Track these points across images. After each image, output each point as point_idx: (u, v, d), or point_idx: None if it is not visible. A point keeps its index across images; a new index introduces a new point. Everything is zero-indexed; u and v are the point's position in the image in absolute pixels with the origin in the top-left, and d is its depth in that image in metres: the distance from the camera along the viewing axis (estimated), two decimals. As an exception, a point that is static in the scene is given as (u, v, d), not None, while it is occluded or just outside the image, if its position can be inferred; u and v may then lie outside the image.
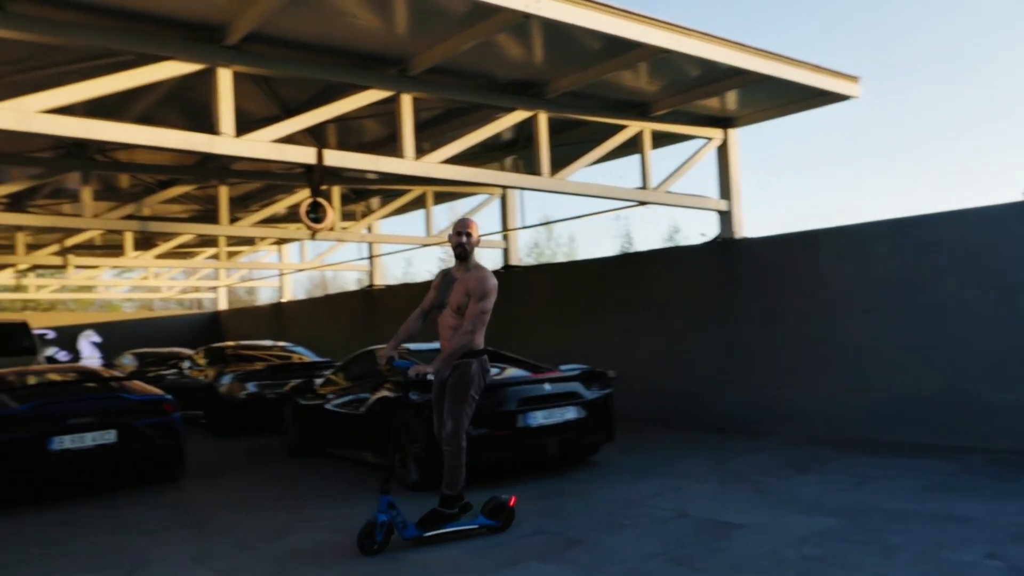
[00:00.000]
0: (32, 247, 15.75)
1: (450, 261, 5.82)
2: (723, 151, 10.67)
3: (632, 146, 9.92)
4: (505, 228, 14.69)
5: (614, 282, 11.74)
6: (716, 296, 10.39)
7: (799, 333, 9.46)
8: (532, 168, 8.84)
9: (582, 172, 9.28)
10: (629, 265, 11.88)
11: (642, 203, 10.18)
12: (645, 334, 11.16)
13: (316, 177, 7.11)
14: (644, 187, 9.79)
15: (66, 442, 7.29)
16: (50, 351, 16.46)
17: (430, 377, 5.31)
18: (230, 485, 8.05)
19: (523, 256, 15.76)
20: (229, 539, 5.95)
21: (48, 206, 13.25)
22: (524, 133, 10.64)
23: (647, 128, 9.69)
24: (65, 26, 5.86)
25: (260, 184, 12.66)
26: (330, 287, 37.31)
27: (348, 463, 8.76)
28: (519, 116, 8.43)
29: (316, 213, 7.28)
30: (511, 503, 5.72)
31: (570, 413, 7.58)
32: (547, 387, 7.56)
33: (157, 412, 7.97)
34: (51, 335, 18.74)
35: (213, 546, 5.75)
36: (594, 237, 47.33)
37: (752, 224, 10.44)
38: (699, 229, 25.16)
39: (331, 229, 8.36)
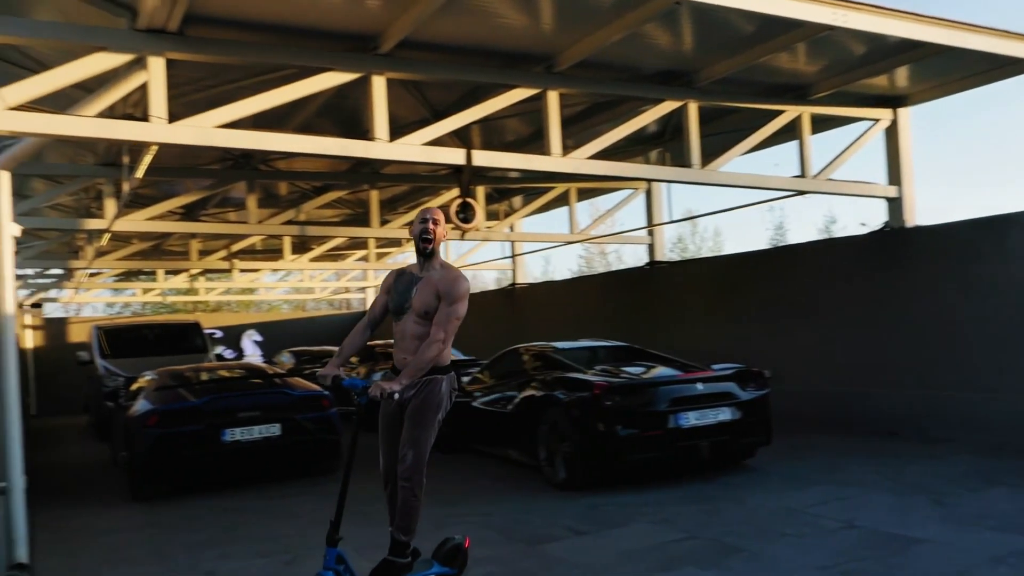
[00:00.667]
0: (203, 253, 16.99)
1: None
2: (892, 133, 10.02)
3: (788, 132, 9.50)
4: (651, 223, 14.47)
5: (766, 276, 11.30)
6: (881, 290, 9.77)
7: (980, 332, 8.73)
8: (681, 160, 8.65)
9: (733, 162, 8.98)
10: (782, 258, 11.41)
11: (800, 193, 9.74)
12: (801, 331, 10.67)
13: (465, 178, 7.26)
14: (803, 175, 9.36)
15: (237, 434, 7.80)
16: (219, 349, 17.69)
17: (396, 396, 4.30)
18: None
19: (667, 251, 15.45)
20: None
21: (217, 215, 14.26)
22: (671, 124, 10.43)
23: (806, 112, 9.25)
24: (236, 46, 6.29)
25: (407, 187, 13.08)
26: (472, 286, 38.12)
27: (494, 460, 8.89)
28: (668, 107, 8.25)
29: (465, 213, 7.44)
30: (466, 544, 4.91)
31: (724, 414, 7.37)
32: (699, 387, 7.38)
33: (316, 407, 8.39)
34: (219, 334, 20.12)
35: (371, 537, 5.96)
36: (742, 230, 45.91)
37: (921, 211, 9.66)
38: (858, 219, 23.83)
39: (478, 229, 8.50)
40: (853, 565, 4.78)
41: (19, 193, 10.84)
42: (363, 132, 7.10)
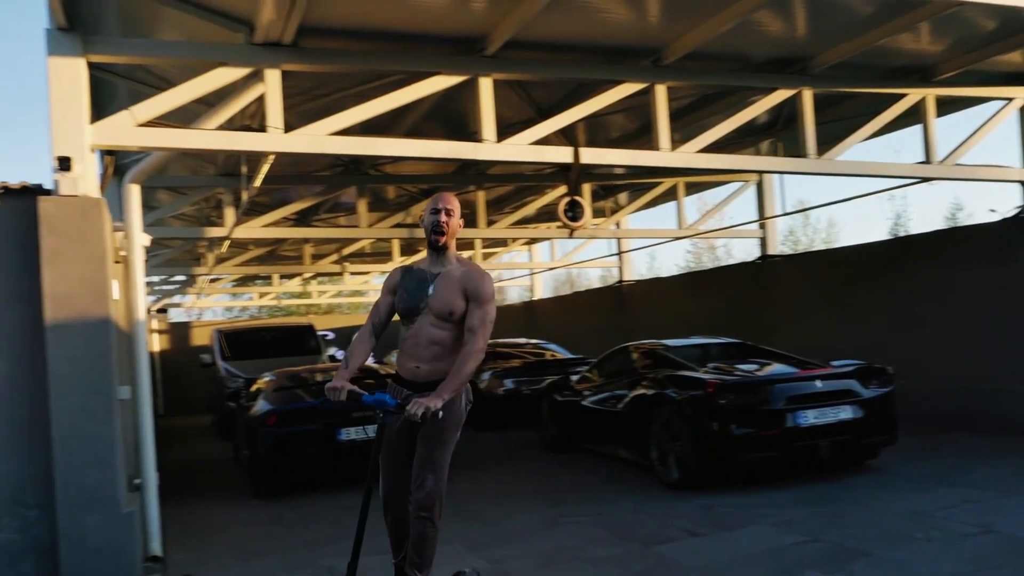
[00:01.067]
0: (316, 257, 17.66)
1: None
2: (1028, 112, 9.41)
3: (911, 116, 9.07)
4: (762, 216, 14.10)
5: (889, 268, 10.82)
6: (1014, 280, 9.19)
7: None
8: (795, 150, 8.39)
9: (850, 150, 8.65)
10: (907, 248, 10.88)
11: (925, 180, 9.29)
12: (926, 326, 10.16)
13: (573, 176, 7.29)
14: (928, 161, 8.91)
15: (352, 433, 8.06)
16: (331, 351, 18.34)
17: (441, 414, 3.77)
18: (493, 477, 8.48)
19: (778, 245, 15.02)
20: (497, 529, 6.26)
21: (328, 219, 14.79)
22: (784, 113, 10.14)
23: (930, 94, 8.80)
24: (347, 55, 6.51)
25: (512, 187, 13.20)
26: (576, 284, 38.07)
27: (604, 459, 8.88)
28: (780, 96, 8.03)
29: (574, 211, 7.47)
30: None
31: (845, 412, 7.13)
32: (818, 384, 7.18)
33: (428, 406, 8.56)
34: (331, 336, 20.83)
35: (484, 536, 6.08)
36: (858, 221, 44.10)
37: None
38: (987, 205, 22.45)
39: (585, 227, 8.51)
40: (992, 573, 4.53)
41: (146, 205, 11.54)
42: (469, 134, 7.22)
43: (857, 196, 11.03)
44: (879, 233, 35.00)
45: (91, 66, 5.61)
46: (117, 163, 6.97)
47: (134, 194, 6.00)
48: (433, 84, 6.57)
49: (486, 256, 19.43)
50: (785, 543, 5.36)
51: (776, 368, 7.65)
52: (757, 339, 9.68)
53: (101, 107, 7.15)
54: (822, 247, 29.00)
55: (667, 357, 8.24)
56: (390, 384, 4.18)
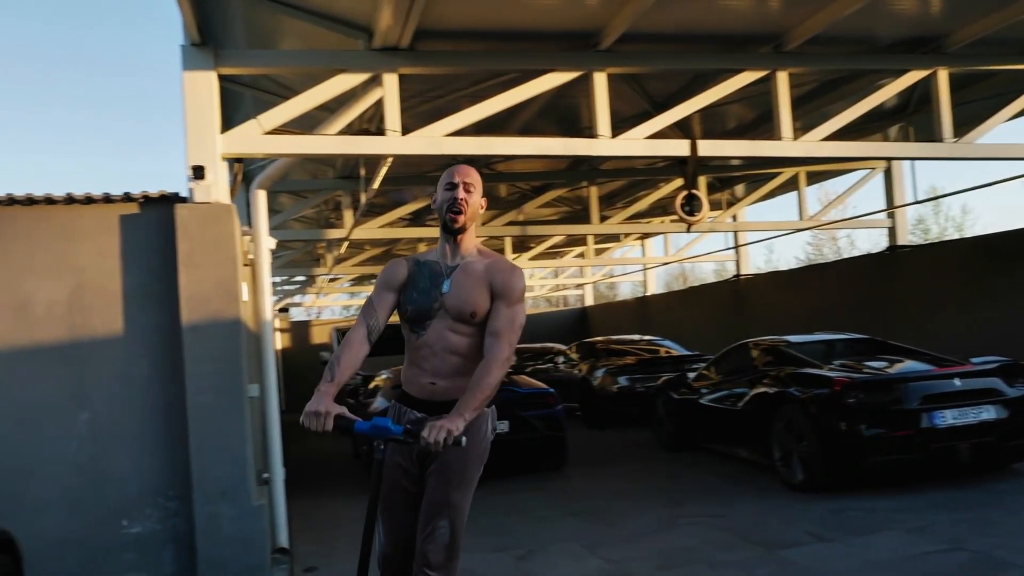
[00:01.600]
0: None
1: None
2: None
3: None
4: (891, 205, 13.47)
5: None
6: None
7: None
8: (928, 134, 7.97)
9: (989, 133, 8.14)
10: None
11: (1073, 162, 8.65)
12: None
13: (690, 169, 7.13)
14: (1076, 142, 8.29)
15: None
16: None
17: (464, 440, 2.80)
18: (609, 476, 8.46)
19: (908, 235, 14.32)
20: (615, 529, 6.25)
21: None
22: (914, 96, 9.64)
23: (1080, 70, 8.18)
24: (463, 56, 6.63)
25: (625, 181, 13.10)
26: (689, 279, 37.40)
27: (722, 458, 8.75)
28: (913, 77, 7.62)
29: (691, 205, 7.33)
30: None
31: (988, 413, 6.76)
32: (956, 383, 6.83)
33: (543, 404, 8.65)
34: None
35: (601, 535, 6.07)
36: (994, 207, 41.43)
37: None
38: None
39: (704, 221, 8.32)
40: None
41: (269, 208, 12.11)
42: (581, 129, 7.21)
43: (998, 181, 10.37)
44: (1020, 220, 32.79)
45: (220, 78, 5.93)
46: (243, 170, 7.33)
47: (261, 199, 6.30)
48: (547, 81, 6.58)
49: (598, 252, 19.35)
50: (924, 551, 5.12)
51: (909, 365, 7.32)
52: (884, 334, 9.26)
53: (227, 117, 7.54)
54: (956, 235, 27.44)
55: (790, 354, 8.04)
56: (392, 405, 3.27)
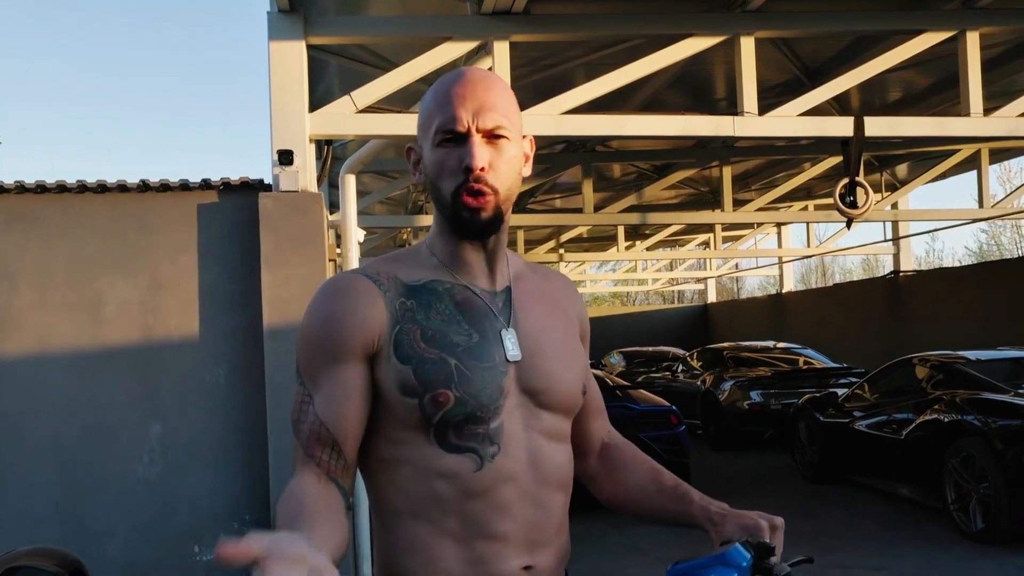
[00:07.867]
0: (530, 243, 17.98)
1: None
2: None
3: None
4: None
5: None
6: None
7: None
8: None
9: None
10: None
11: None
12: None
13: (854, 153, 6.68)
14: None
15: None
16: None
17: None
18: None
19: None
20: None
21: (544, 201, 15.00)
22: None
23: None
24: (584, 20, 6.42)
25: (761, 160, 12.69)
26: (828, 273, 36.19)
27: (880, 496, 8.40)
28: None
29: (853, 196, 6.92)
30: None
31: None
32: None
33: (664, 425, 8.45)
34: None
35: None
36: None
37: None
38: None
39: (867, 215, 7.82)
40: None
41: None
42: (715, 101, 6.92)
43: None
44: None
45: (308, 48, 5.94)
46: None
47: (350, 185, 6.32)
48: (683, 48, 6.28)
49: (726, 240, 18.87)
50: None
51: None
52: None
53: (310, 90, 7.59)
54: None
55: (967, 373, 7.67)
56: None
